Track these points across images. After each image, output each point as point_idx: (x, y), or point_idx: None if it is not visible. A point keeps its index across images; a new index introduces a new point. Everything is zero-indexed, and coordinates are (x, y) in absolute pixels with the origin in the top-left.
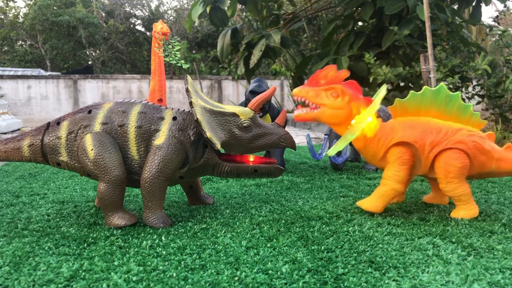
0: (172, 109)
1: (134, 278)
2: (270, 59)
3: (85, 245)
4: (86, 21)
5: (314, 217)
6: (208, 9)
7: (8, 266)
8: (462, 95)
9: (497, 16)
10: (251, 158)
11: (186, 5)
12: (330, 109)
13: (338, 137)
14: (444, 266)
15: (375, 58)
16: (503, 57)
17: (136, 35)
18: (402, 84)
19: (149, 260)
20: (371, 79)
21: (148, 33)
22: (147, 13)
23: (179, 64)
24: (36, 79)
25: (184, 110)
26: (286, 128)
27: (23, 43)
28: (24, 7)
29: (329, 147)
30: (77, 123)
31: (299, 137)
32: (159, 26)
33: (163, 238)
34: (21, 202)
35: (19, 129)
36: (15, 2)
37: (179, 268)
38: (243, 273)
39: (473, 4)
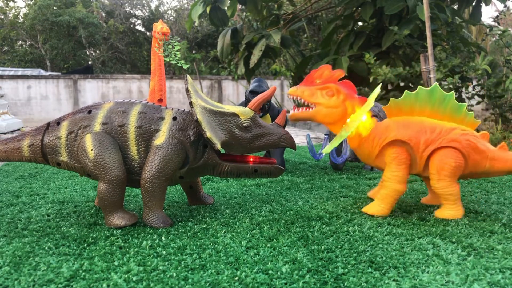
0: (172, 109)
1: (134, 278)
2: (270, 59)
3: (85, 245)
4: (86, 21)
5: (314, 217)
6: (208, 9)
7: (8, 266)
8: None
9: (497, 16)
10: (251, 158)
11: (186, 5)
12: (326, 108)
13: None
14: (444, 266)
15: (375, 58)
16: (503, 57)
17: (136, 35)
18: (402, 84)
19: (149, 260)
20: (371, 79)
21: (148, 33)
22: (147, 13)
23: (179, 64)
24: (36, 79)
25: (184, 110)
26: (286, 128)
27: (23, 43)
28: (24, 7)
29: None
30: (77, 123)
31: (299, 137)
32: (159, 26)
33: (163, 238)
34: (21, 202)
35: (19, 129)
36: (15, 2)
37: (179, 268)
38: (243, 273)
39: (473, 4)
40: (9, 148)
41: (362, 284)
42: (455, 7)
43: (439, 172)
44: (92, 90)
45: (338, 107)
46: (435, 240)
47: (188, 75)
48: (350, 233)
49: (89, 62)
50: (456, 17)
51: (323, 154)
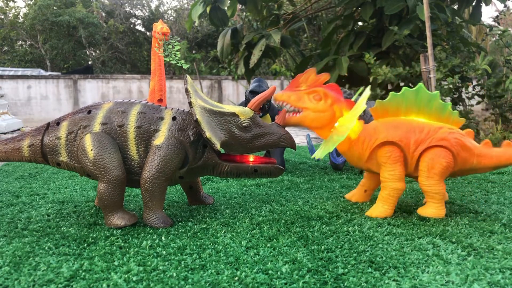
0: (172, 109)
1: (134, 278)
2: (270, 59)
3: (85, 245)
4: (86, 21)
5: (314, 217)
6: (208, 9)
7: (8, 266)
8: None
9: (497, 16)
10: (251, 158)
11: (186, 5)
12: (313, 113)
13: None
14: (444, 266)
15: (375, 58)
16: (503, 57)
17: (136, 35)
18: (402, 84)
19: (149, 260)
20: (371, 79)
21: (148, 33)
22: (147, 13)
23: (179, 64)
24: (36, 79)
25: (183, 110)
26: (286, 128)
27: (23, 43)
28: (24, 7)
29: None
30: (76, 123)
31: (299, 137)
32: (159, 26)
33: (163, 238)
34: (21, 202)
35: (19, 129)
36: (15, 2)
37: (179, 268)
38: (243, 273)
39: (473, 4)
40: (9, 148)
41: (362, 284)
42: (455, 7)
43: (429, 170)
44: (92, 90)
45: (326, 111)
46: (435, 240)
47: (188, 75)
48: (350, 233)
49: (89, 62)
50: (456, 17)
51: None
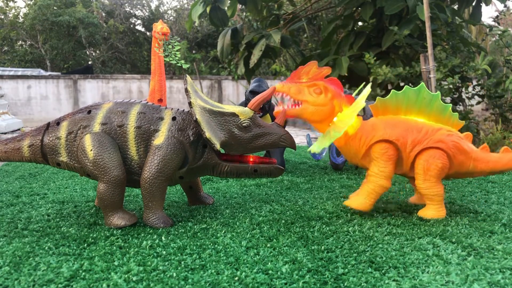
0: (172, 109)
1: (134, 278)
2: (270, 59)
3: (85, 245)
4: (86, 21)
5: (314, 217)
6: (208, 9)
7: (8, 266)
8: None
9: (497, 16)
10: (251, 158)
11: (186, 5)
12: (313, 106)
13: None
14: (444, 266)
15: (375, 58)
16: (503, 57)
17: (136, 35)
18: (402, 84)
19: (149, 260)
20: (371, 79)
21: (148, 33)
22: (147, 13)
23: (179, 64)
24: (36, 79)
25: (183, 110)
26: (286, 128)
27: (23, 43)
28: (24, 7)
29: (329, 148)
30: (76, 123)
31: (299, 137)
32: (159, 26)
33: (163, 238)
34: (21, 202)
35: (19, 129)
36: (15, 2)
37: (179, 268)
38: (243, 273)
39: (473, 4)
40: (9, 148)
41: (362, 284)
42: (455, 7)
43: (425, 172)
44: (92, 90)
45: (325, 105)
46: (435, 240)
47: (188, 75)
48: (350, 233)
49: (89, 62)
50: (456, 17)
51: (323, 154)
